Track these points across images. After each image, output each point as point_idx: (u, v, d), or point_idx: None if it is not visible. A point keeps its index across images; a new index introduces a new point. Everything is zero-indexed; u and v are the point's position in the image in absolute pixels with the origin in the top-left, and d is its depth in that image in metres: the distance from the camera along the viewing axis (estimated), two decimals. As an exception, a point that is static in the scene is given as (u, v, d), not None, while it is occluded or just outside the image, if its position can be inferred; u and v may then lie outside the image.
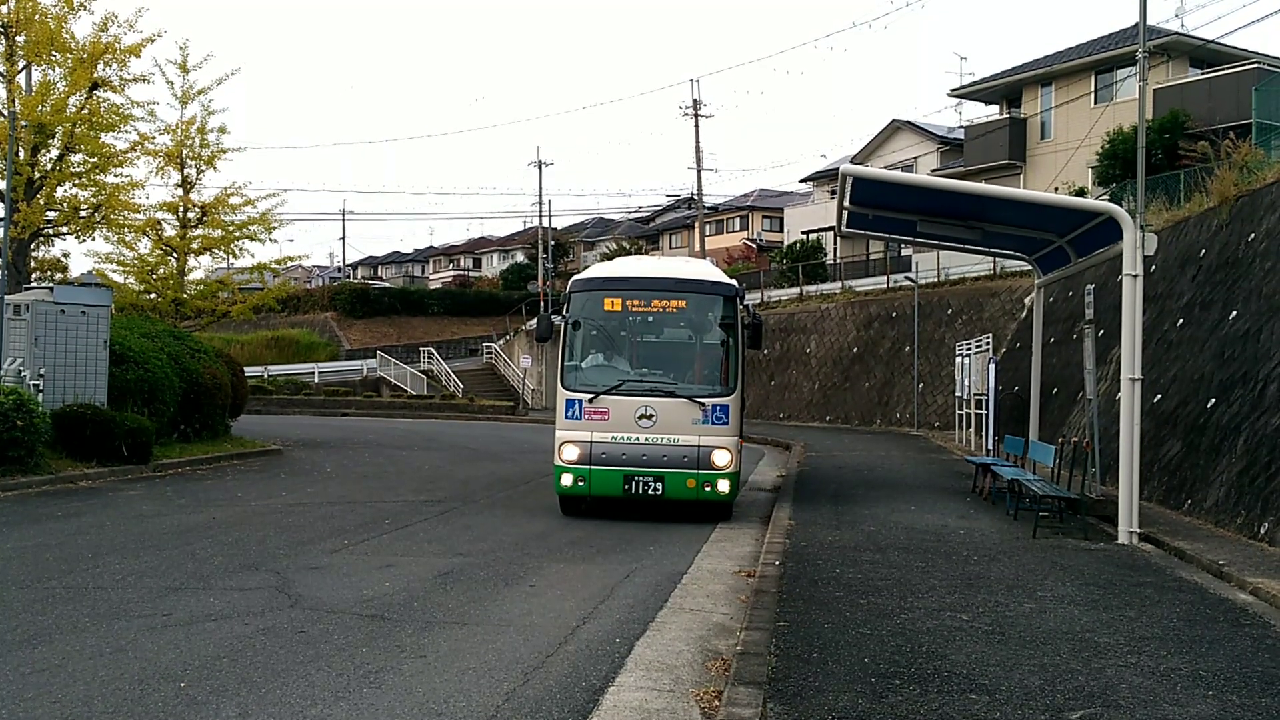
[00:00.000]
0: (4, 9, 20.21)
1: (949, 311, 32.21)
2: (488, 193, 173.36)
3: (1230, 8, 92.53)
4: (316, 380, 48.96)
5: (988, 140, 38.12)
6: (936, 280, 34.12)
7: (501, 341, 53.80)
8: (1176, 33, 31.98)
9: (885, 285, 36.82)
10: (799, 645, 6.55)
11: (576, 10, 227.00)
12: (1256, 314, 12.79)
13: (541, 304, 51.22)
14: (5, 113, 19.38)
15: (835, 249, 44.13)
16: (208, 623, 7.14)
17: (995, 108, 39.92)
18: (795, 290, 42.42)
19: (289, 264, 30.23)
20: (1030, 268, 18.26)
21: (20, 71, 20.84)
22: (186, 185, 24.86)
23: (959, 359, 25.16)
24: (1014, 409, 21.81)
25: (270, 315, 48.74)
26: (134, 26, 21.77)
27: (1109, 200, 21.20)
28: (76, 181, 21.81)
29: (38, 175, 20.81)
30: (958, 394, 25.81)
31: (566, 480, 12.43)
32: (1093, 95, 34.67)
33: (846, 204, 14.99)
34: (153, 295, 25.13)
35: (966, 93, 40.58)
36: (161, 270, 25.02)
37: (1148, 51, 18.05)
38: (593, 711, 5.55)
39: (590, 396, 12.37)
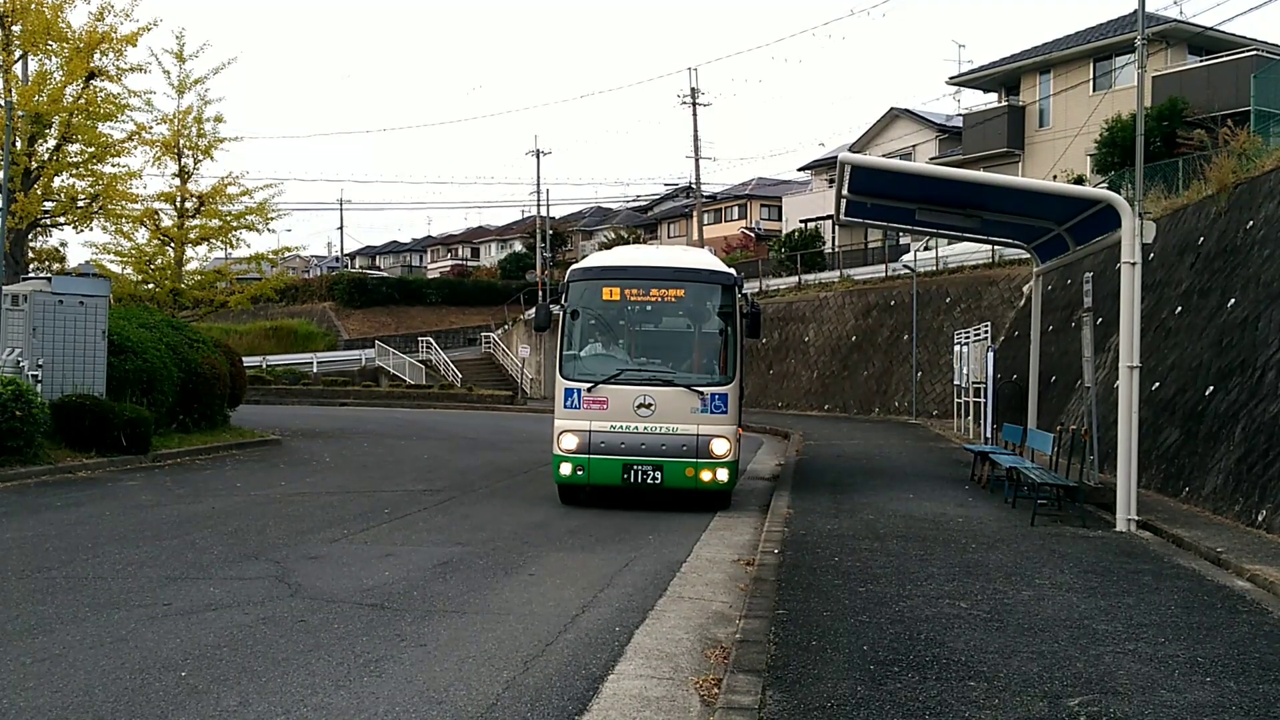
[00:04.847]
0: (0, -2, 20.14)
1: (947, 300, 32.20)
2: (485, 182, 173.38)
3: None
4: (315, 370, 48.93)
5: (986, 128, 38.07)
6: (935, 269, 34.07)
7: (500, 331, 53.78)
8: (1175, 20, 31.93)
9: (884, 274, 36.77)
10: (798, 633, 6.57)
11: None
12: (1255, 301, 12.79)
13: (540, 293, 51.24)
14: (2, 102, 19.32)
15: (833, 237, 44.05)
16: (208, 612, 7.16)
17: (994, 95, 39.85)
18: (793, 279, 42.39)
19: (287, 254, 30.25)
20: (1029, 256, 18.24)
21: (17, 61, 20.76)
22: (184, 175, 24.83)
23: (957, 347, 25.15)
24: (1012, 397, 21.82)
25: (268, 305, 48.80)
26: (130, 15, 21.71)
27: (1107, 188, 21.22)
28: (74, 171, 21.76)
29: (35, 165, 20.76)
30: (956, 382, 25.81)
31: (565, 469, 12.44)
32: (1091, 83, 34.62)
33: (845, 192, 14.97)
34: (151, 285, 25.15)
35: (965, 80, 40.51)
36: (159, 260, 25.02)
37: (1146, 39, 18.04)
38: (593, 700, 5.57)
39: (589, 386, 12.37)
